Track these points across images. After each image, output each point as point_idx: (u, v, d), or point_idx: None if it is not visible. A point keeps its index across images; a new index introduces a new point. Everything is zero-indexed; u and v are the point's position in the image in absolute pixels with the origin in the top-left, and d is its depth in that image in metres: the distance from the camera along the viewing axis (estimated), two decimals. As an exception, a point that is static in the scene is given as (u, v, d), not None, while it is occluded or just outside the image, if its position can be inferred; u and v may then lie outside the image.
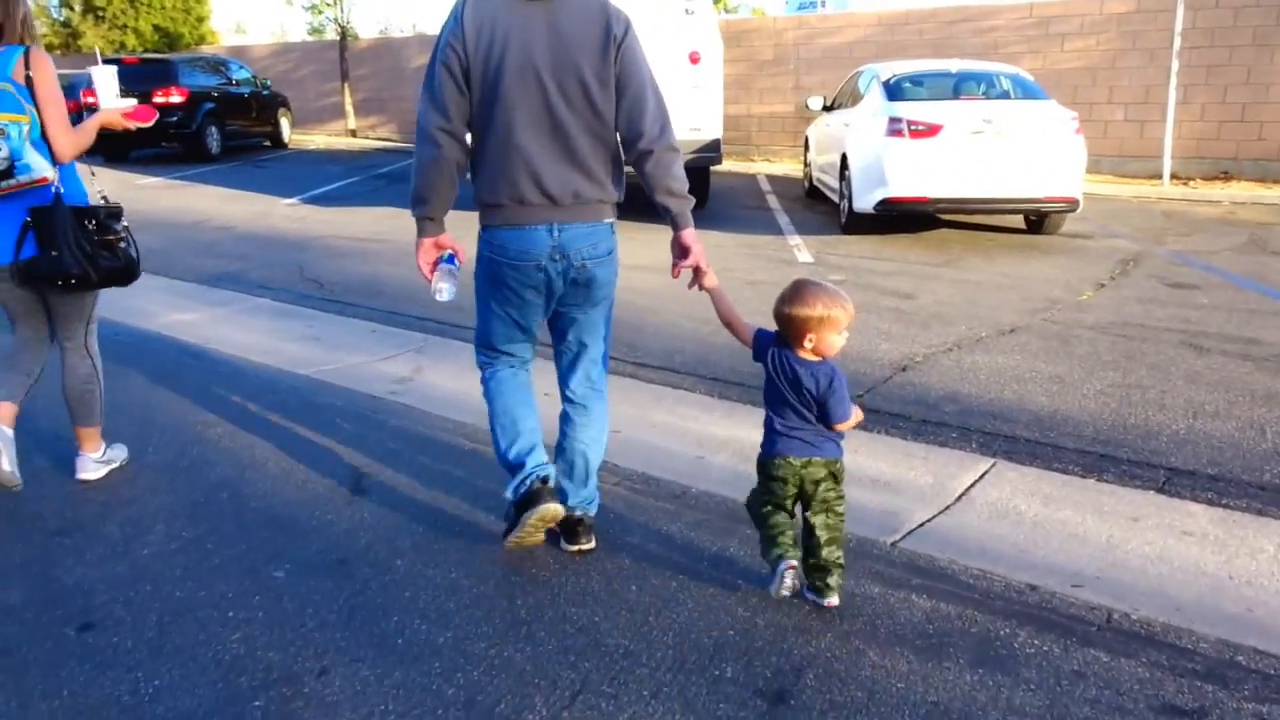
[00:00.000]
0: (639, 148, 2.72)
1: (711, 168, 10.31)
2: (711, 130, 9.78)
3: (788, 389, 2.66)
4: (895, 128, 8.18)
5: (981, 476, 3.70)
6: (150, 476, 3.69)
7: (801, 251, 8.26)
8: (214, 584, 2.88)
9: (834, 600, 2.68)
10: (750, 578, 2.88)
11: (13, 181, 3.11)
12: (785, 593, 2.57)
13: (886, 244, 8.55)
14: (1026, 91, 8.86)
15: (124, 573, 2.95)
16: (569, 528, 3.00)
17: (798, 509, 2.75)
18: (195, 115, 16.55)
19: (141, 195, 12.63)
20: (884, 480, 3.69)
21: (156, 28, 26.56)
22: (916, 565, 2.99)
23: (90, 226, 3.28)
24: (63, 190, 3.23)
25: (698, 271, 2.85)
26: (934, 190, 8.12)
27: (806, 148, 12.04)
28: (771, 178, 13.85)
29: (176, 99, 16.22)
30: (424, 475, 3.69)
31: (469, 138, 2.74)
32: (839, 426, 2.66)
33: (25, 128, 3.12)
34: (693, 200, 2.86)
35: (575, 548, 3.01)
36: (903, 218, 8.79)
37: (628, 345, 5.48)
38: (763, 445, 2.74)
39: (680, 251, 2.86)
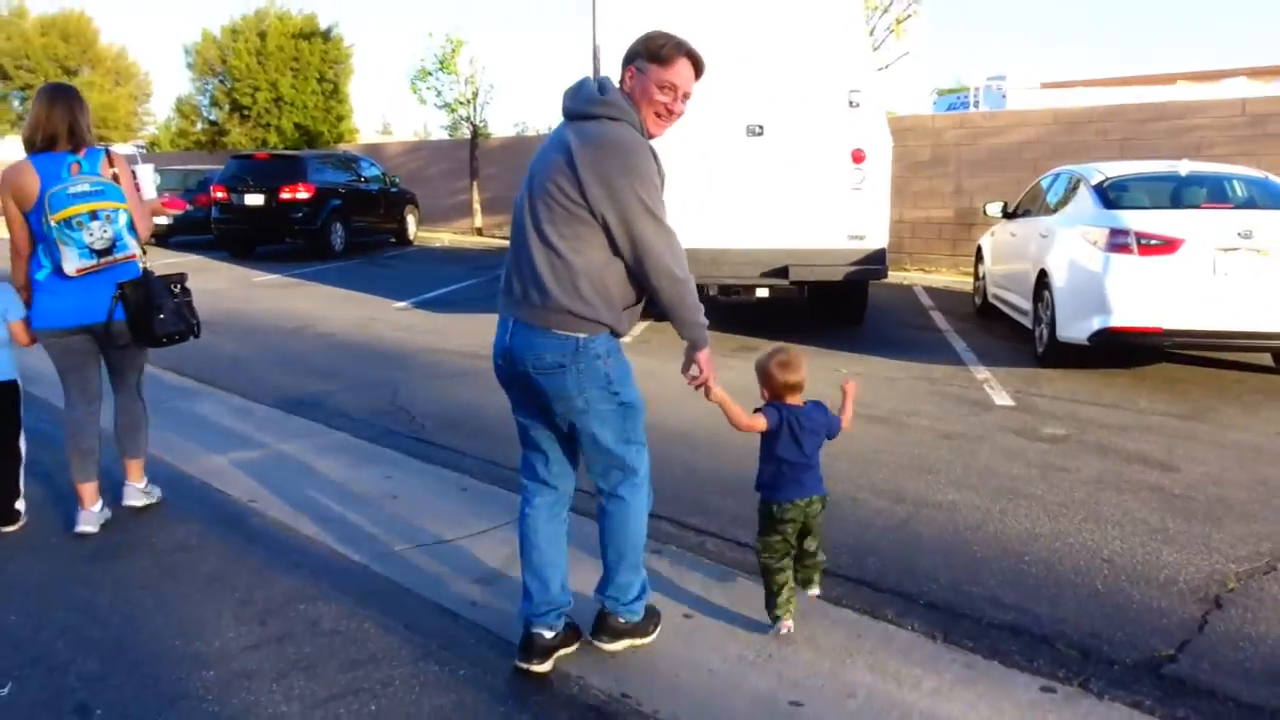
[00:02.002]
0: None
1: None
2: (876, 239, 8.36)
3: (803, 434, 3.11)
4: (1120, 241, 6.58)
5: None
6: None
7: (995, 390, 6.66)
8: None
9: (817, 590, 3.36)
10: None
11: (115, 256, 3.75)
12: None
13: (1102, 383, 6.86)
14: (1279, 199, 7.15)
15: None
16: (598, 619, 3.03)
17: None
18: (321, 211, 16.18)
19: (252, 294, 11.99)
20: None
21: (298, 126, 27.22)
22: None
23: (176, 290, 4.00)
24: (148, 265, 3.92)
25: (706, 386, 2.93)
26: (1170, 320, 6.44)
27: (979, 259, 10.47)
28: (931, 290, 12.28)
29: (303, 195, 15.89)
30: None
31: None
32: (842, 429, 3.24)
33: (124, 215, 3.79)
34: (698, 324, 2.85)
35: (596, 642, 3.01)
36: (1116, 349, 7.10)
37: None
38: (773, 495, 3.15)
39: (689, 362, 2.96)
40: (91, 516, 3.94)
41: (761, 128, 8.31)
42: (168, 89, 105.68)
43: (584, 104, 2.75)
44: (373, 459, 5.11)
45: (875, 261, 8.39)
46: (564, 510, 3.03)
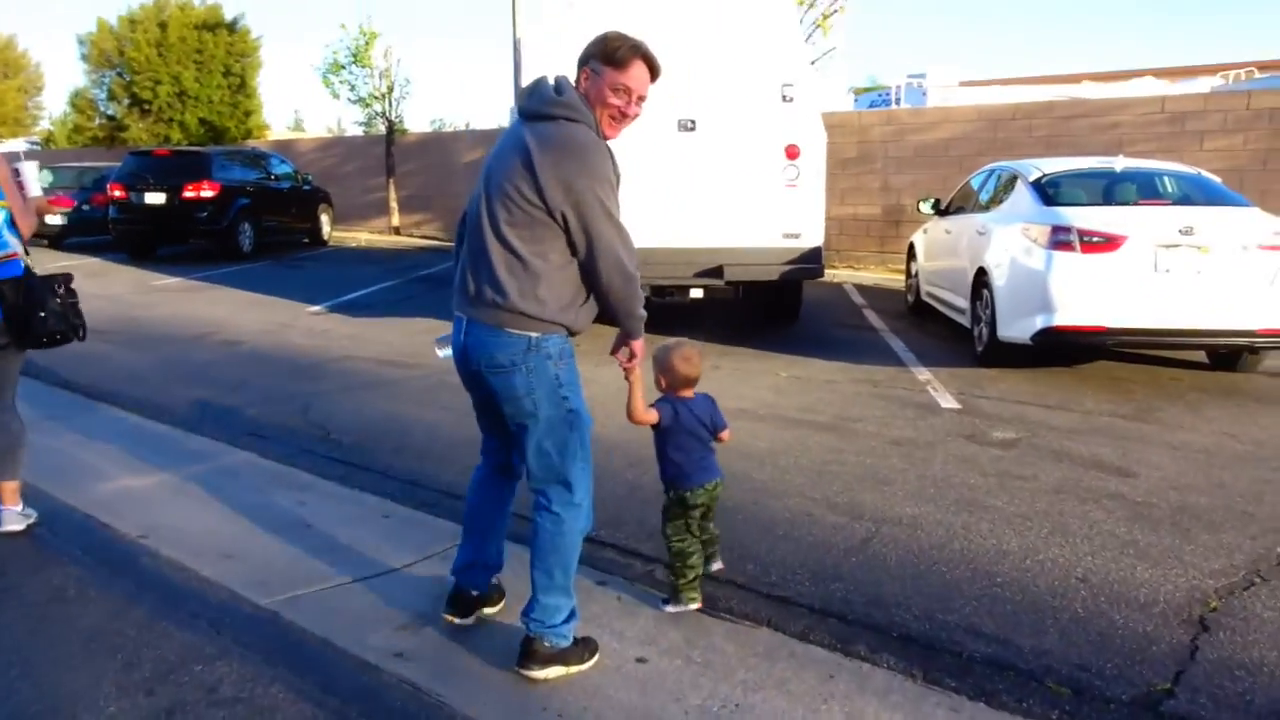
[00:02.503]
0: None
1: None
2: (811, 237, 8.13)
3: (697, 425, 3.24)
4: (1062, 239, 6.45)
5: None
6: None
7: (939, 392, 6.47)
8: None
9: (719, 564, 3.49)
10: None
11: None
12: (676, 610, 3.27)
13: (1045, 383, 6.74)
14: (1217, 196, 7.12)
15: None
16: (524, 645, 2.89)
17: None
18: (227, 211, 15.34)
19: (152, 299, 11.24)
20: None
21: (203, 121, 26.03)
22: None
23: (61, 290, 3.85)
24: (30, 263, 3.75)
25: (628, 367, 3.02)
26: (1114, 319, 6.33)
27: (911, 256, 10.36)
28: (861, 288, 12.16)
29: (208, 193, 15.04)
30: None
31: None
32: (725, 435, 3.33)
33: (2, 213, 3.69)
34: (633, 316, 2.87)
35: (523, 670, 2.86)
36: (1058, 348, 6.99)
37: (739, 553, 3.69)
38: (678, 481, 3.24)
39: (621, 344, 3.00)
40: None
41: (693, 122, 8.01)
42: (60, 82, 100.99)
43: (540, 104, 2.72)
44: (284, 482, 4.64)
45: (811, 260, 8.16)
46: (512, 485, 3.14)
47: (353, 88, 20.51)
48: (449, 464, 4.83)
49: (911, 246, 10.36)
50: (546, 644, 2.85)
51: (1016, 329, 6.78)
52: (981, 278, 7.41)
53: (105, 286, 12.38)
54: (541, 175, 2.60)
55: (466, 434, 4.21)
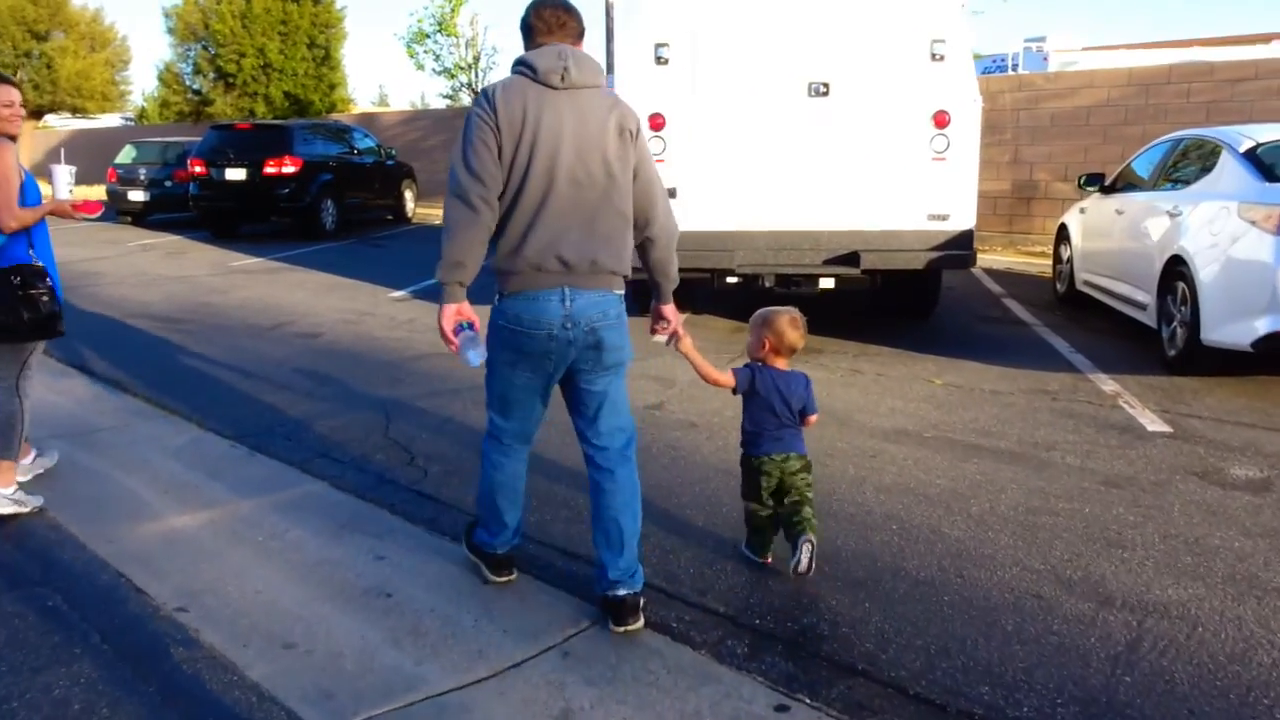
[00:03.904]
0: (649, 232, 2.99)
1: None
2: (961, 218, 7.00)
3: (775, 398, 3.21)
4: (1301, 224, 5.23)
5: None
6: None
7: (1137, 410, 5.32)
8: None
9: (804, 567, 3.07)
10: None
11: None
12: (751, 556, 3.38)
13: (1266, 398, 5.54)
14: None
15: None
16: (614, 608, 2.93)
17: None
18: (309, 187, 14.76)
19: (227, 281, 10.62)
20: None
21: (287, 95, 25.65)
22: None
23: (15, 282, 3.74)
24: None
25: (677, 336, 3.11)
26: (1364, 321, 5.10)
27: (1061, 239, 9.10)
28: (993, 273, 10.93)
29: (289, 169, 14.47)
30: None
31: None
32: (812, 419, 3.30)
33: None
34: (678, 280, 3.12)
35: (622, 629, 2.91)
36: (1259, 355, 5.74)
37: (961, 660, 2.69)
38: (747, 444, 3.31)
39: (661, 318, 3.12)
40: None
41: (826, 86, 6.93)
42: (147, 55, 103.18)
43: (597, 73, 2.89)
44: (359, 525, 3.79)
45: (961, 246, 7.03)
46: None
47: (437, 57, 19.89)
48: (562, 506, 3.93)
49: (1063, 228, 9.10)
50: (635, 594, 2.96)
51: (1231, 332, 5.58)
52: (1175, 267, 6.19)
53: (183, 267, 11.86)
54: (639, 140, 2.90)
55: (576, 462, 3.31)
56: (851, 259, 6.95)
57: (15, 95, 3.79)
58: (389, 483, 4.27)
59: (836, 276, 7.08)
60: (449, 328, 2.89)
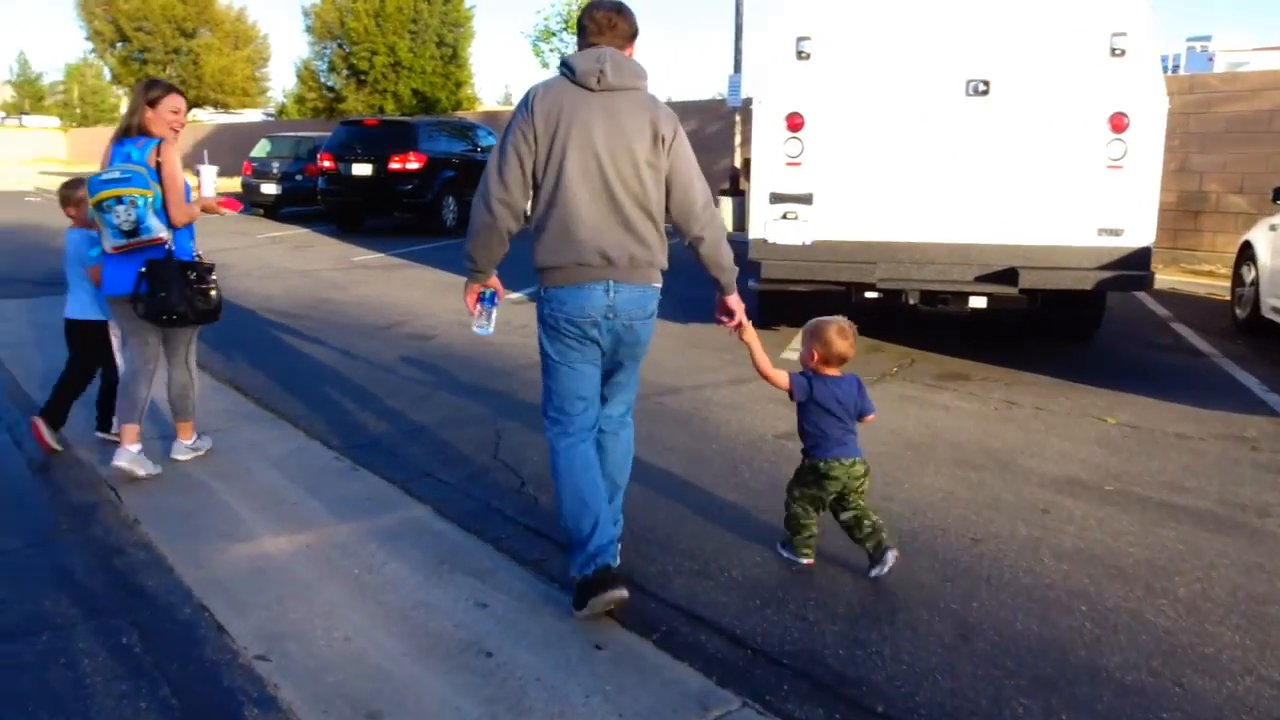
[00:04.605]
0: (694, 232, 3.06)
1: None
2: (1138, 234, 6.25)
3: (834, 404, 3.25)
4: None
5: None
6: None
7: (1361, 466, 4.53)
8: None
9: (890, 562, 3.18)
10: None
11: (138, 239, 3.96)
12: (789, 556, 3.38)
13: None
14: None
15: None
16: (614, 574, 3.00)
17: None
18: (432, 183, 14.76)
19: (349, 277, 10.57)
20: None
21: (415, 92, 26.01)
22: None
23: (192, 277, 4.10)
24: (173, 248, 4.07)
25: (741, 326, 3.22)
26: None
27: (1244, 259, 8.15)
28: (1158, 294, 9.95)
29: (413, 165, 14.49)
30: None
31: (528, 207, 3.05)
32: (869, 418, 3.34)
33: (149, 200, 3.95)
34: (736, 270, 3.18)
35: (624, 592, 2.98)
36: None
37: None
38: (813, 450, 3.29)
39: (725, 310, 3.23)
40: (126, 454, 4.11)
41: (986, 84, 6.28)
42: (285, 53, 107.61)
43: (636, 76, 3.01)
44: (461, 560, 3.42)
45: (1136, 266, 6.29)
46: None
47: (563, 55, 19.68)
48: (685, 556, 3.47)
49: (1246, 246, 8.13)
50: (619, 535, 3.23)
51: None
52: (1402, 299, 5.32)
53: (308, 261, 11.92)
54: (677, 143, 2.99)
55: (716, 492, 2.86)
56: (1008, 276, 6.28)
57: (182, 103, 4.23)
58: (495, 512, 3.89)
59: (989, 295, 6.42)
60: (470, 301, 3.26)
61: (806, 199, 6.51)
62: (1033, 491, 4.17)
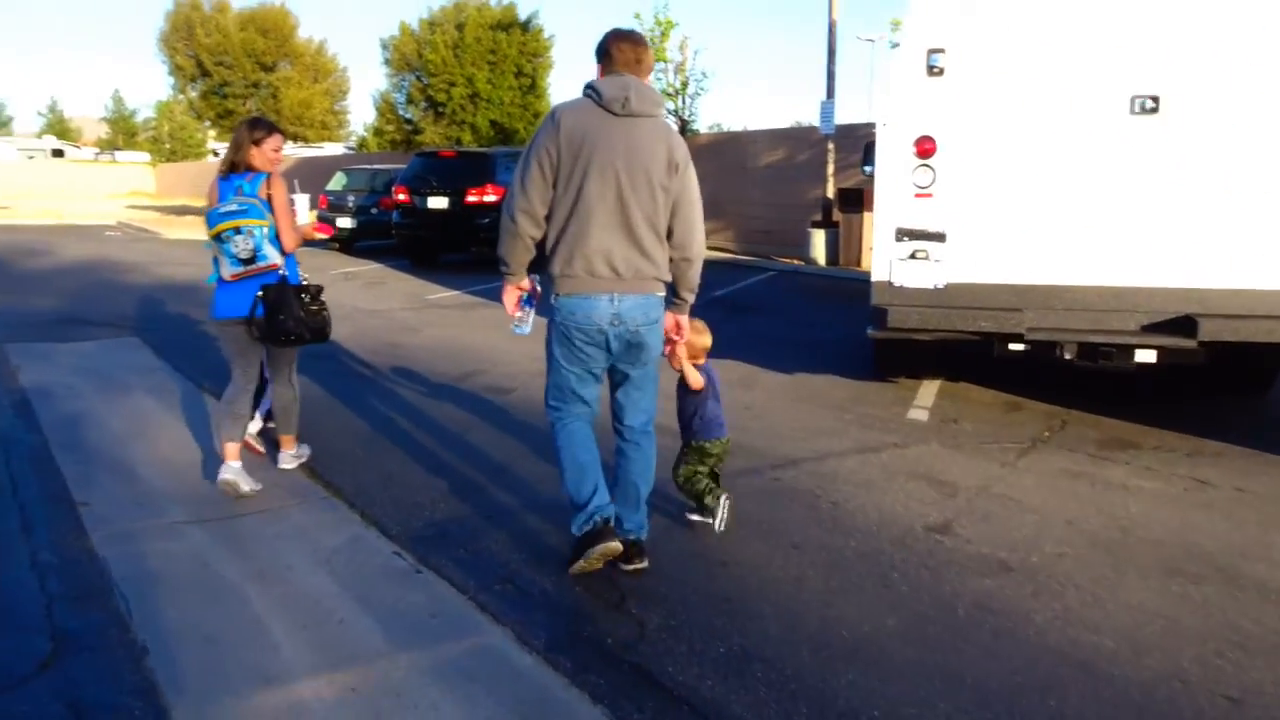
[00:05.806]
0: (686, 254, 3.42)
1: None
2: (1345, 272, 5.22)
3: (714, 390, 3.96)
4: None
5: None
6: None
7: None
8: None
9: (725, 494, 3.93)
10: None
11: (255, 265, 4.29)
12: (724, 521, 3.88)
13: None
14: None
15: None
16: (627, 548, 3.46)
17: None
18: (509, 217, 14.16)
19: (421, 318, 9.97)
20: None
21: (493, 123, 25.72)
22: None
23: (305, 299, 4.42)
24: (286, 273, 4.39)
25: (675, 347, 3.69)
26: None
27: None
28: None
29: (491, 198, 13.93)
30: None
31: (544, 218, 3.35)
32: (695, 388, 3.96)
33: (265, 230, 4.28)
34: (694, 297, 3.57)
35: (631, 567, 3.49)
36: None
37: None
38: (702, 433, 3.93)
39: (675, 328, 3.60)
40: (231, 469, 4.31)
41: (1155, 100, 5.35)
42: (364, 86, 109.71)
43: (656, 103, 3.36)
44: (544, 706, 2.61)
45: (1340, 309, 5.25)
46: None
47: (643, 84, 19.09)
48: (859, 713, 2.62)
49: None
50: (643, 539, 3.57)
51: None
52: None
53: (380, 299, 11.39)
54: (684, 167, 3.35)
55: (867, 614, 2.03)
56: (1184, 325, 5.31)
57: (282, 141, 4.48)
58: (589, 642, 3.08)
59: (1160, 348, 5.43)
60: (509, 302, 3.53)
61: (938, 237, 5.63)
62: (1276, 617, 3.21)
